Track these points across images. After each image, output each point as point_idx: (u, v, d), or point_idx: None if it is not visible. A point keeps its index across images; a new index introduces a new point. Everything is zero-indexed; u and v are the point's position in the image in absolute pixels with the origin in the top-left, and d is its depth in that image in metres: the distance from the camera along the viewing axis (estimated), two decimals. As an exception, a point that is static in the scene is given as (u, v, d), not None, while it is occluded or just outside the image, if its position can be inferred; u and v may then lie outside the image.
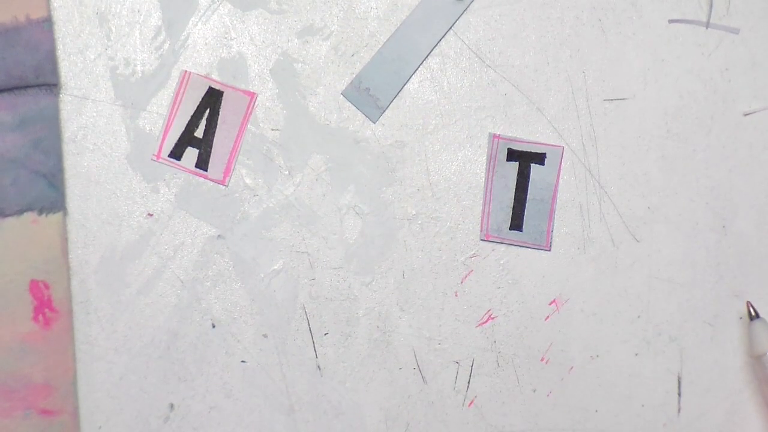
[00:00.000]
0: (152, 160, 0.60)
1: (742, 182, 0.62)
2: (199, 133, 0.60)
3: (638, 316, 0.62)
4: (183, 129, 0.60)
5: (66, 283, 0.59)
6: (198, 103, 0.60)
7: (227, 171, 0.60)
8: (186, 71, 0.60)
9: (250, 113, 0.60)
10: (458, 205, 0.61)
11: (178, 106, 0.60)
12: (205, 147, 0.60)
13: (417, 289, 0.61)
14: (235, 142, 0.60)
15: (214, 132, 0.60)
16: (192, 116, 0.60)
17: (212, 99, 0.60)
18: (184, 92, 0.60)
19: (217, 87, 0.60)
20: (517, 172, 0.61)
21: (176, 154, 0.60)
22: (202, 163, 0.60)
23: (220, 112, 0.60)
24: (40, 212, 0.59)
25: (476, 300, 0.61)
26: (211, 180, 0.60)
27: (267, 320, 0.60)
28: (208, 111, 0.60)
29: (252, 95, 0.60)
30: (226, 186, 0.60)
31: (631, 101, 0.62)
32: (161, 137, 0.60)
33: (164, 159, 0.60)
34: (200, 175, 0.60)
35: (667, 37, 0.62)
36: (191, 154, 0.60)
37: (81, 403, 0.59)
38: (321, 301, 0.61)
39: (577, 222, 0.61)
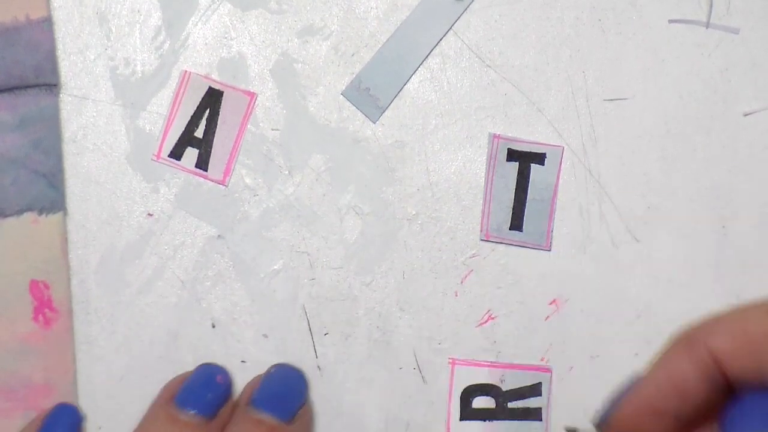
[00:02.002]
0: (152, 160, 0.60)
1: (742, 182, 0.62)
2: (199, 133, 0.60)
3: (638, 316, 0.62)
4: (183, 129, 0.60)
5: (66, 283, 0.59)
6: (198, 103, 0.60)
7: (227, 171, 0.60)
8: (186, 71, 0.60)
9: (250, 113, 0.60)
10: (458, 205, 0.61)
11: (178, 106, 0.60)
12: (205, 147, 0.60)
13: (417, 289, 0.61)
14: (235, 142, 0.60)
15: (214, 132, 0.60)
16: (192, 116, 0.60)
17: (212, 99, 0.60)
18: (184, 92, 0.60)
19: (217, 87, 0.60)
20: (517, 172, 0.61)
21: (176, 154, 0.60)
22: (202, 163, 0.60)
23: (220, 112, 0.60)
24: (40, 212, 0.58)
25: (476, 300, 0.61)
26: (211, 180, 0.60)
27: (267, 320, 0.60)
28: (208, 111, 0.60)
29: (252, 95, 0.60)
30: (226, 186, 0.60)
31: (631, 101, 0.62)
32: (161, 137, 0.60)
33: (164, 159, 0.60)
34: (200, 175, 0.60)
35: (667, 37, 0.62)
36: (191, 154, 0.60)
37: (81, 403, 0.59)
38: (321, 301, 0.60)
39: (577, 222, 0.61)
